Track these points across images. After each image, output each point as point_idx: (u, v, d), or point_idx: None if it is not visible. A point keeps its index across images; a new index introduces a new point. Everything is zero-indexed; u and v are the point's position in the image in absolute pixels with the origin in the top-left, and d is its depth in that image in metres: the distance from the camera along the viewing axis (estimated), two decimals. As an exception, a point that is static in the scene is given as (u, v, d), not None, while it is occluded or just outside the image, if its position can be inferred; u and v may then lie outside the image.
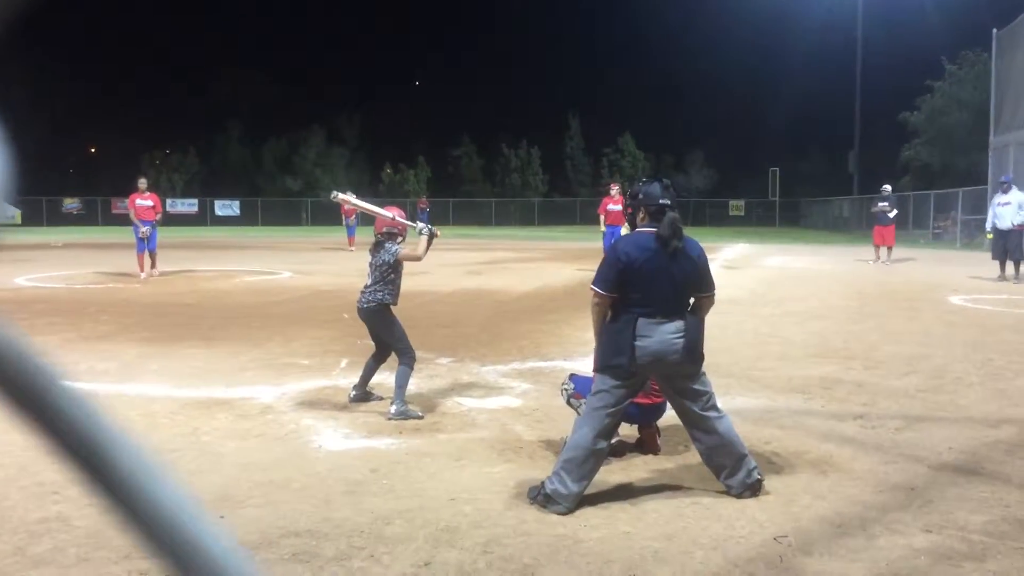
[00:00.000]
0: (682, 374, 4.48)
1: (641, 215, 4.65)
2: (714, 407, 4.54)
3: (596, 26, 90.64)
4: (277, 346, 8.99)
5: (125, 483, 0.53)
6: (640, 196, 4.69)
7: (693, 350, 4.44)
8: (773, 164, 58.82)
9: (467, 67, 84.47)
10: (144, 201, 16.45)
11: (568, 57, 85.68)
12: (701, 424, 4.50)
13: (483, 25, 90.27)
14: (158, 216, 16.72)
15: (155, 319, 10.94)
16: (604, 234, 18.12)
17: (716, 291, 4.73)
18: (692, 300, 4.56)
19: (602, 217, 18.64)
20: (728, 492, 4.42)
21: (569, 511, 4.18)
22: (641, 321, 4.35)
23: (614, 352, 4.40)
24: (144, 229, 15.99)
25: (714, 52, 75.66)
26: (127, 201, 17.00)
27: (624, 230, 5.64)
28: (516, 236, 38.55)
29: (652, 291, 4.40)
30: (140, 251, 16.29)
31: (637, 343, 4.32)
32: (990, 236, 17.49)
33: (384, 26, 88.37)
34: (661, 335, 4.34)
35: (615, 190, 18.63)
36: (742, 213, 63.80)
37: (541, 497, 4.26)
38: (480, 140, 68.46)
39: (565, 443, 4.57)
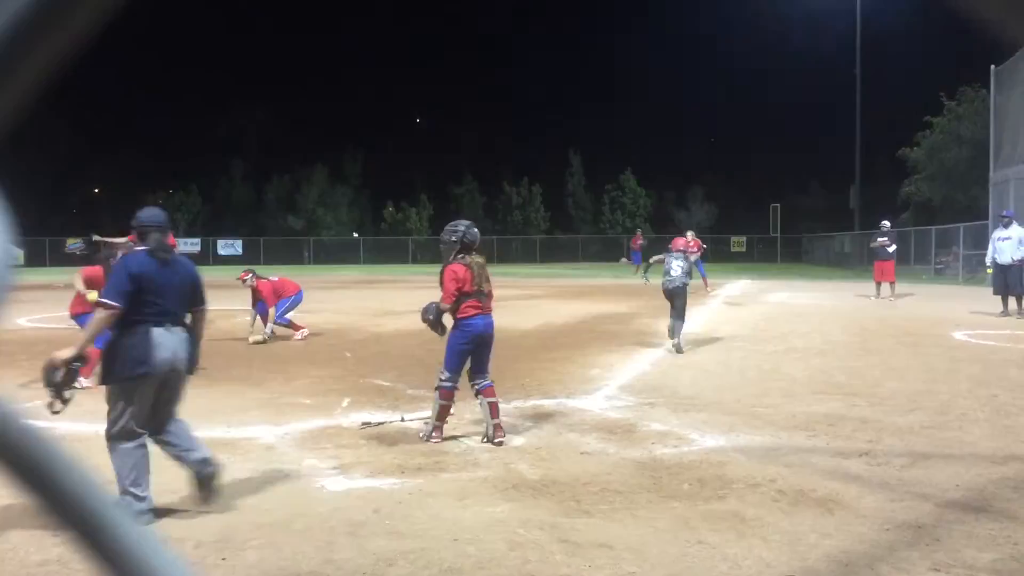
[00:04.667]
0: (180, 383, 4.88)
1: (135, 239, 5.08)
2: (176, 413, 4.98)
3: (597, 64, 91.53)
4: (279, 385, 8.97)
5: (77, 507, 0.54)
6: (136, 222, 5.01)
7: (194, 361, 4.92)
8: (774, 200, 59.04)
9: (469, 105, 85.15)
10: None
11: (570, 95, 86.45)
12: (172, 427, 4.87)
13: (484, 63, 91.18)
14: None
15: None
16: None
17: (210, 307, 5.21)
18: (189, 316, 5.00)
19: None
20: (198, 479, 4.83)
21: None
22: (155, 331, 4.67)
23: (135, 363, 4.62)
24: None
25: (714, 88, 76.47)
26: None
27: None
28: (518, 273, 38.56)
29: (163, 301, 4.77)
30: None
31: (156, 352, 4.64)
32: (990, 271, 17.48)
33: (386, 64, 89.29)
34: (174, 344, 4.73)
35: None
36: (743, 249, 63.91)
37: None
38: (482, 178, 68.77)
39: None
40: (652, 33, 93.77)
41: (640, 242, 38.33)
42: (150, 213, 5.09)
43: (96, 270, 8.90)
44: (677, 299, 11.66)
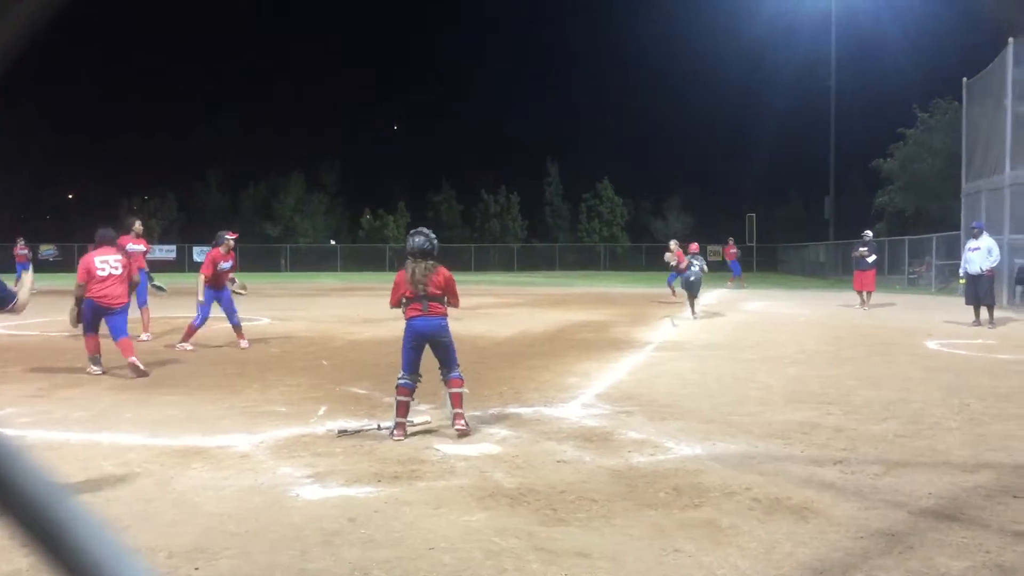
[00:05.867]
0: None
1: None
2: None
3: (575, 73, 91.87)
4: (255, 393, 8.91)
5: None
6: None
7: None
8: (750, 210, 59.42)
9: (447, 113, 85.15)
10: (137, 246, 14.50)
11: (547, 103, 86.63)
12: None
13: (462, 71, 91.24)
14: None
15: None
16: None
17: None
18: None
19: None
20: None
21: None
22: None
23: None
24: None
25: (691, 99, 76.90)
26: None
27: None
28: (495, 281, 38.59)
29: None
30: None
31: None
32: (962, 281, 17.70)
33: (363, 72, 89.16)
34: None
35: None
36: (720, 258, 64.24)
37: None
38: (460, 186, 68.76)
39: None
40: (631, 42, 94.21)
41: (733, 251, 35.37)
42: None
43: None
44: (695, 287, 18.07)
